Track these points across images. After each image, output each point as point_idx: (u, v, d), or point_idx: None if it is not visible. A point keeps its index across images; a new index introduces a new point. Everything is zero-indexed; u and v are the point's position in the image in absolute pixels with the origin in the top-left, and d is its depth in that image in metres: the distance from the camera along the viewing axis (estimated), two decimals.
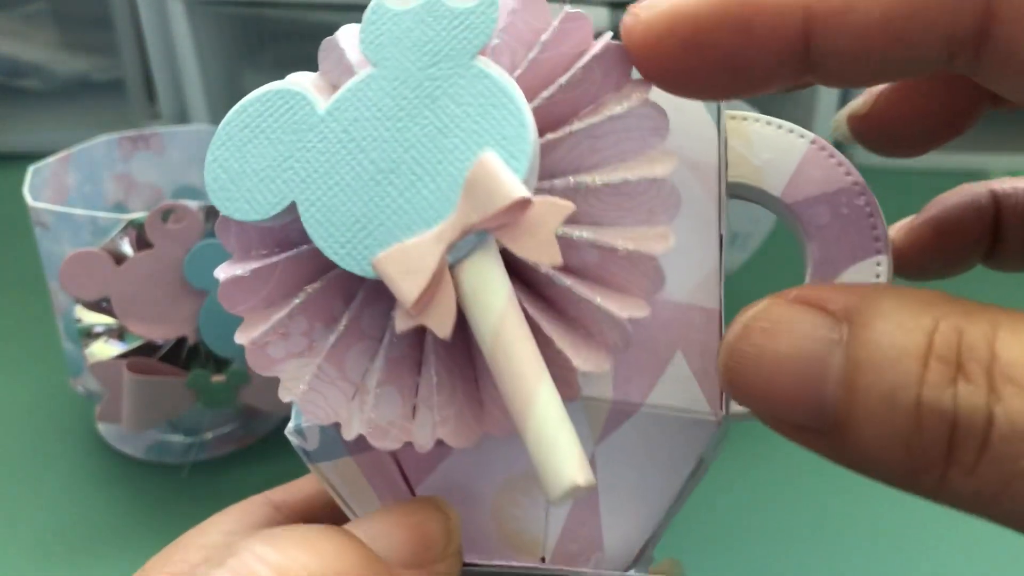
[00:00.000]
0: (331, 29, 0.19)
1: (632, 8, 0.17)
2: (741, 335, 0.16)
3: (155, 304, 0.35)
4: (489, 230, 0.15)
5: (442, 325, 0.15)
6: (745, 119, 0.20)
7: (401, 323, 0.16)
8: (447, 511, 0.19)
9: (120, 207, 0.45)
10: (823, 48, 0.16)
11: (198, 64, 0.63)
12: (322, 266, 0.17)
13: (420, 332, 0.17)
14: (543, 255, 0.15)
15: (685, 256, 0.19)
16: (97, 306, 0.36)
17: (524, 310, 0.16)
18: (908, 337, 0.14)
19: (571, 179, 0.17)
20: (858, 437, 0.15)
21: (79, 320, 0.36)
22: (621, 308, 0.16)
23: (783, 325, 0.16)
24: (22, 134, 0.69)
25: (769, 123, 0.20)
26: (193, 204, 0.35)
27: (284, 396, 0.17)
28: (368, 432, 0.17)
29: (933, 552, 0.34)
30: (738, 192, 0.20)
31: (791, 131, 0.20)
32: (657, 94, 0.17)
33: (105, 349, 0.36)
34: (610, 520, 0.20)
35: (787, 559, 0.34)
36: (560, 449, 0.15)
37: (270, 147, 0.17)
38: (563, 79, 0.17)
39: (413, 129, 0.16)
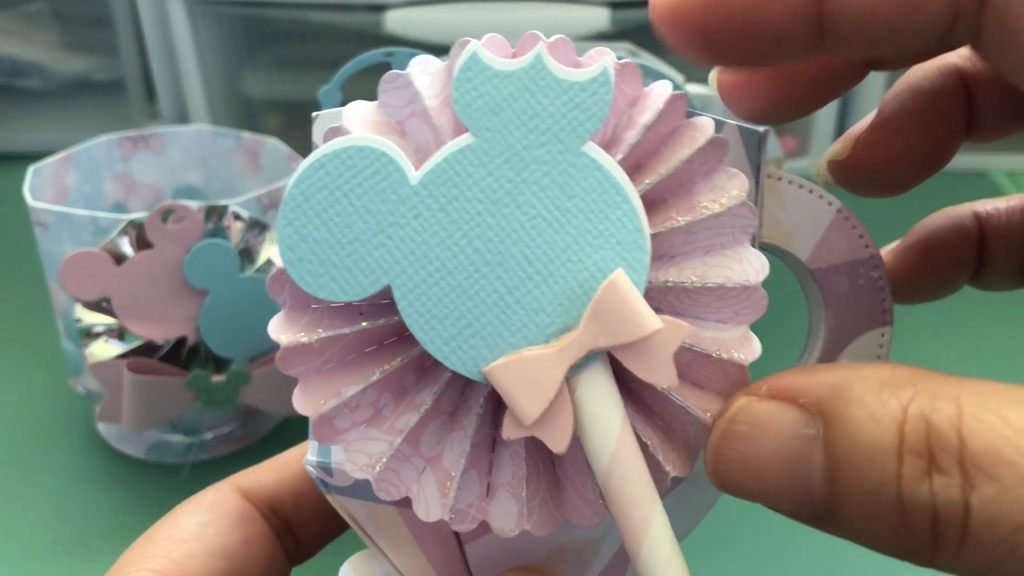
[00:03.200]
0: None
1: None
2: (723, 439, 0.16)
3: (155, 304, 0.35)
4: (612, 351, 0.15)
5: (559, 442, 0.15)
6: (781, 179, 0.20)
7: (511, 432, 0.15)
8: None
9: (120, 207, 0.45)
10: (834, 8, 0.16)
11: (198, 64, 0.63)
12: (392, 332, 0.16)
13: (496, 410, 0.17)
14: (662, 378, 0.15)
15: None
16: (97, 306, 0.36)
17: None
18: (880, 430, 0.15)
19: (668, 278, 0.16)
20: (851, 525, 0.16)
21: (79, 320, 0.36)
22: (706, 411, 0.16)
23: (762, 427, 0.16)
24: (22, 134, 0.69)
25: (802, 186, 0.20)
26: (193, 204, 0.35)
27: (354, 473, 0.16)
28: (451, 519, 0.16)
29: None
30: (766, 250, 0.21)
31: (820, 197, 0.20)
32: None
33: (105, 349, 0.36)
34: (632, 572, 0.20)
35: (787, 558, 0.34)
36: (672, 574, 0.16)
37: (356, 216, 0.15)
38: (664, 169, 0.16)
39: (520, 219, 0.15)
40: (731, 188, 0.16)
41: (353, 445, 0.16)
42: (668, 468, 0.16)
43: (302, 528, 0.23)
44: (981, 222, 0.23)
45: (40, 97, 0.71)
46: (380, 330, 0.16)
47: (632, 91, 0.16)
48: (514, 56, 0.16)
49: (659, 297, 0.16)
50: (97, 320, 0.36)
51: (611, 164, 0.15)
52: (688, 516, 0.20)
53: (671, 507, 0.19)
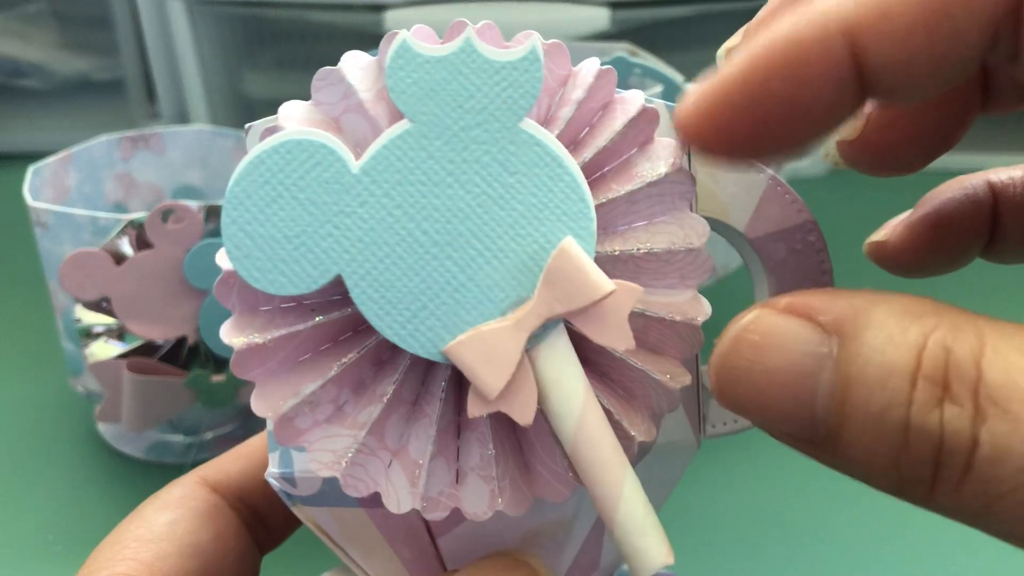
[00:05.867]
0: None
1: (682, 98, 0.16)
2: (732, 348, 0.16)
3: (155, 304, 0.35)
4: (568, 318, 0.15)
5: (524, 414, 0.15)
6: None
7: (475, 409, 0.15)
8: (542, 572, 0.19)
9: (120, 207, 0.45)
10: (874, 61, 0.16)
11: (198, 64, 0.63)
12: (345, 327, 0.16)
13: (459, 395, 0.17)
14: (618, 341, 0.15)
15: None
16: (97, 306, 0.36)
17: None
18: (897, 354, 0.15)
19: (615, 248, 0.16)
20: (849, 450, 0.15)
21: (79, 320, 0.36)
22: (667, 375, 0.17)
23: (774, 339, 0.16)
24: (22, 134, 0.69)
25: None
26: (193, 204, 0.35)
27: (320, 471, 0.16)
28: (423, 507, 0.16)
29: (933, 553, 0.34)
30: None
31: (752, 166, 0.20)
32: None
33: (105, 349, 0.36)
34: (608, 546, 0.21)
35: (786, 559, 0.34)
36: (650, 534, 0.15)
37: (301, 209, 0.15)
38: (601, 142, 0.16)
39: (465, 198, 0.15)
40: (667, 156, 0.17)
41: (317, 444, 0.16)
42: (633, 433, 0.16)
43: (272, 515, 0.23)
44: (995, 192, 0.23)
45: (40, 97, 0.71)
46: (334, 325, 0.16)
47: (561, 70, 0.16)
48: (449, 36, 0.16)
49: (608, 267, 0.16)
50: (97, 320, 0.36)
51: (550, 138, 0.16)
52: (655, 489, 0.20)
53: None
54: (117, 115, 0.69)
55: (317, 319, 0.16)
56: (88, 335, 0.36)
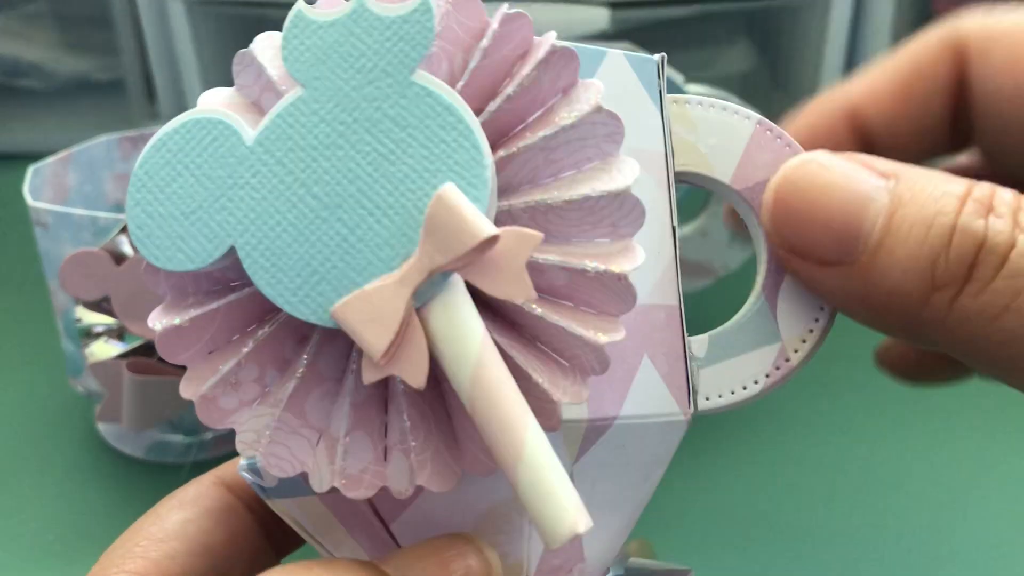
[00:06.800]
0: None
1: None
2: (798, 166, 0.18)
3: (155, 304, 0.35)
4: (455, 269, 0.15)
5: (415, 375, 0.15)
6: (688, 103, 0.20)
7: (369, 374, 0.15)
8: (488, 553, 0.19)
9: (120, 207, 0.45)
10: (870, 124, 0.21)
11: (198, 64, 0.63)
12: (268, 305, 0.16)
13: None
14: (515, 291, 0.15)
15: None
16: (97, 306, 0.36)
17: (496, 343, 0.15)
18: (949, 184, 0.17)
19: (530, 199, 0.16)
20: (887, 261, 0.17)
21: (79, 320, 0.36)
22: (596, 331, 0.16)
23: (837, 167, 0.18)
24: (22, 134, 0.69)
25: (712, 105, 0.19)
26: None
27: (244, 452, 0.16)
28: (342, 484, 0.16)
29: (933, 553, 0.34)
30: (687, 180, 0.20)
31: (736, 112, 0.19)
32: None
33: (105, 349, 0.36)
34: (590, 532, 0.20)
35: (785, 559, 0.34)
36: (556, 498, 0.14)
37: (197, 185, 0.15)
38: (509, 89, 0.16)
39: (356, 158, 0.15)
40: (589, 98, 0.16)
41: (244, 425, 0.16)
42: (558, 396, 0.16)
43: None
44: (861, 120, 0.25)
45: (40, 97, 0.71)
46: (254, 302, 0.16)
47: (475, 22, 0.16)
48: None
49: (528, 221, 0.16)
50: (97, 320, 0.36)
51: (442, 88, 0.15)
52: (641, 469, 0.19)
53: (613, 471, 0.19)
54: (117, 115, 0.69)
55: (231, 297, 0.16)
56: (88, 335, 0.36)
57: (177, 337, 0.16)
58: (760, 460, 0.38)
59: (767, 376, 0.19)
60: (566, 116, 0.16)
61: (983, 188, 0.17)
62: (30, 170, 0.39)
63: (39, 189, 0.40)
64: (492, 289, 0.15)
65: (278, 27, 0.17)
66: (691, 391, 0.19)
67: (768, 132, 0.19)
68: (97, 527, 0.37)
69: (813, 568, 0.34)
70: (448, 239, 0.14)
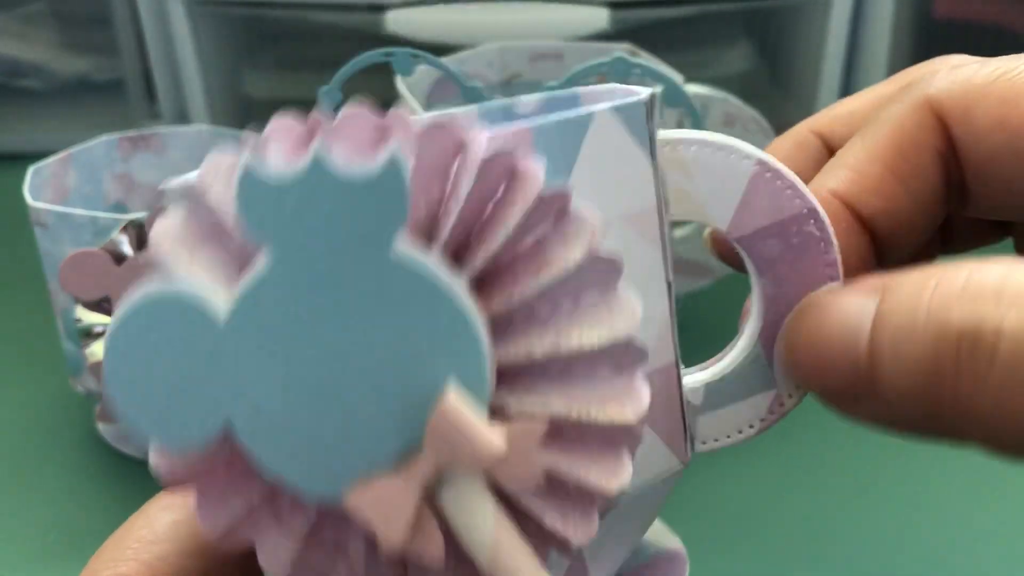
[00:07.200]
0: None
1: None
2: (798, 316, 0.18)
3: None
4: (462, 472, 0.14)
5: (432, 558, 0.14)
6: (682, 144, 0.18)
7: (388, 553, 0.14)
8: None
9: (120, 207, 0.45)
10: (864, 213, 0.20)
11: (198, 64, 0.63)
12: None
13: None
14: (525, 482, 0.14)
15: None
16: (97, 306, 0.36)
17: (506, 496, 0.15)
18: (927, 278, 0.16)
19: (534, 353, 0.15)
20: (883, 375, 0.17)
21: (79, 320, 0.36)
22: (603, 474, 0.15)
23: (830, 304, 0.17)
24: (22, 134, 0.69)
25: (708, 145, 0.18)
26: None
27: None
28: None
29: (933, 552, 0.34)
30: (679, 227, 0.19)
31: (732, 152, 0.18)
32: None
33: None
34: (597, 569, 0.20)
35: (785, 559, 0.34)
36: None
37: (177, 366, 0.14)
38: (494, 245, 0.14)
39: (342, 336, 0.14)
40: (583, 235, 0.14)
41: (264, 548, 0.15)
42: (569, 534, 0.15)
43: None
44: (827, 142, 0.24)
45: (40, 97, 0.71)
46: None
47: (448, 142, 0.14)
48: (308, 135, 0.14)
49: (525, 377, 0.15)
50: (97, 320, 0.36)
51: (428, 262, 0.13)
52: (638, 521, 0.19)
53: (615, 519, 0.19)
54: (117, 115, 0.69)
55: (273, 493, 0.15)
56: (88, 335, 0.36)
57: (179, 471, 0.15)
58: (760, 460, 0.38)
59: (762, 420, 0.20)
60: (561, 259, 0.14)
61: (958, 272, 0.16)
62: (30, 170, 0.39)
63: (39, 189, 0.40)
64: (502, 481, 0.14)
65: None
66: (688, 439, 0.19)
67: (767, 174, 0.18)
68: (97, 527, 0.37)
69: (813, 568, 0.34)
70: (454, 453, 0.14)
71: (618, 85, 0.19)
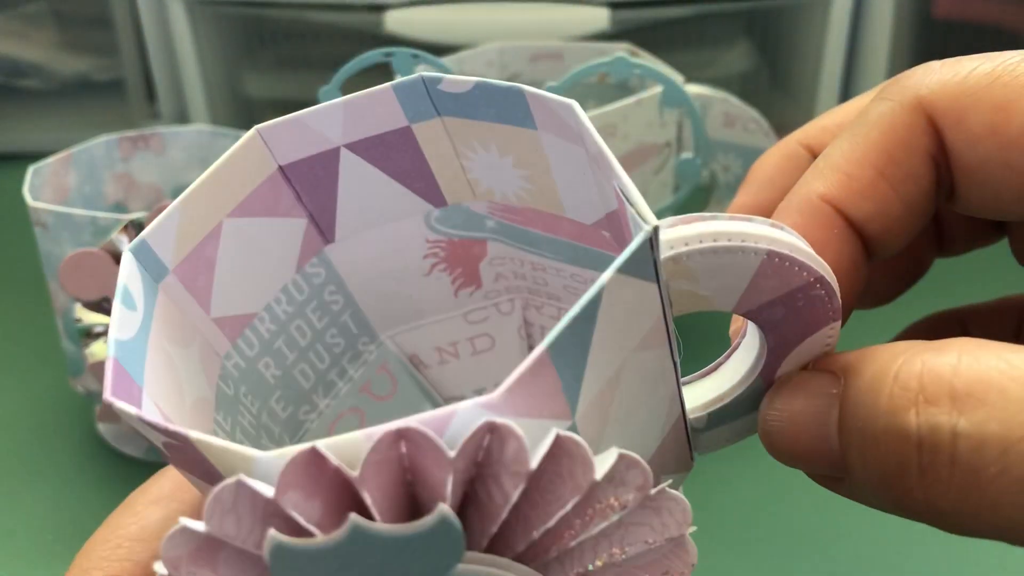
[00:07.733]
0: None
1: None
2: (769, 401, 0.18)
3: None
4: None
5: None
6: (688, 257, 0.17)
7: None
8: None
9: (120, 207, 0.45)
10: (855, 217, 0.20)
11: (198, 64, 0.63)
12: None
13: None
14: None
15: (650, 420, 0.17)
16: (97, 306, 0.36)
17: None
18: (883, 375, 0.16)
19: (589, 568, 0.15)
20: (854, 473, 0.17)
21: (79, 320, 0.36)
22: None
23: (799, 389, 0.18)
24: (22, 134, 0.69)
25: (715, 251, 0.17)
26: None
27: None
28: None
29: (933, 553, 0.34)
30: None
31: (741, 250, 0.17)
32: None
33: (105, 349, 0.36)
34: None
35: (786, 559, 0.34)
36: None
37: None
38: (551, 523, 0.14)
39: None
40: (632, 489, 0.14)
41: None
42: None
43: None
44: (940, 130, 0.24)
45: (40, 97, 0.71)
46: None
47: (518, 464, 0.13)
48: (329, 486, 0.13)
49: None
50: (97, 320, 0.36)
51: None
52: None
53: None
54: (117, 115, 0.69)
55: None
56: (88, 335, 0.36)
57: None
58: (760, 460, 0.38)
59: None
60: (613, 501, 0.14)
61: (911, 367, 0.16)
62: (30, 170, 0.39)
63: (39, 189, 0.40)
64: None
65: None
66: (692, 453, 0.20)
67: (776, 259, 0.17)
68: (97, 527, 0.37)
69: (813, 568, 0.34)
70: None
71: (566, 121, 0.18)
